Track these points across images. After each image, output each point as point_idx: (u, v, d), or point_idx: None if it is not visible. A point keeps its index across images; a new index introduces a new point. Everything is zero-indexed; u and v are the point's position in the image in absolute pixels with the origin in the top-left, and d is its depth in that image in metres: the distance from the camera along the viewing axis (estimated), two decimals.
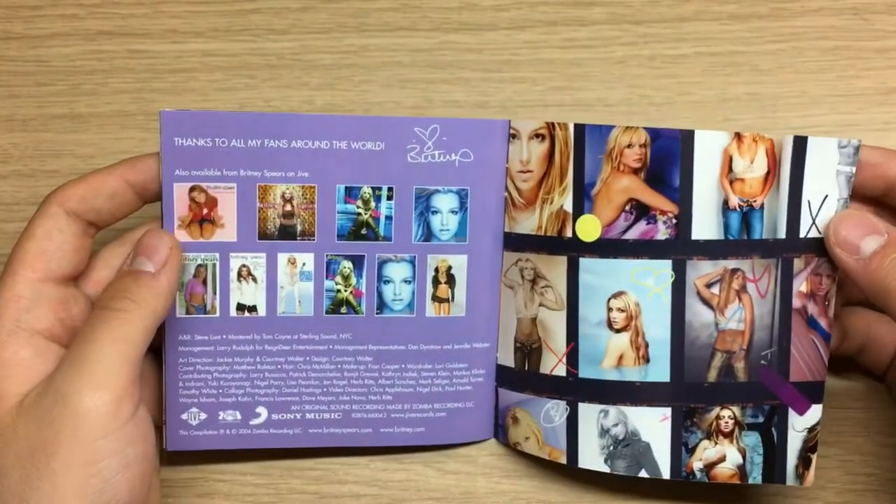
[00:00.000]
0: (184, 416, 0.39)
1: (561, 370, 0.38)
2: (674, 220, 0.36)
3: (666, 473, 0.37)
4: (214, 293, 0.38)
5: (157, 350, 0.39)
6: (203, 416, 0.39)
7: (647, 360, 0.37)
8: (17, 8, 0.44)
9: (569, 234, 0.37)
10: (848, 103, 0.43)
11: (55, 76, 0.44)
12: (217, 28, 0.44)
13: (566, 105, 0.43)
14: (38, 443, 0.31)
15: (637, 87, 0.43)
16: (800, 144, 0.36)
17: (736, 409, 0.37)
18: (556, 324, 0.38)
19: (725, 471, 0.37)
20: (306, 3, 0.44)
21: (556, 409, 0.38)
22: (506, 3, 0.44)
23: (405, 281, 0.39)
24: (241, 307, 0.39)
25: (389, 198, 0.38)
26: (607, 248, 0.37)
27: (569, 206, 0.37)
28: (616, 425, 0.37)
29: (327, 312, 0.39)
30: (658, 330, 0.37)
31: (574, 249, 0.37)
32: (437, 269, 0.39)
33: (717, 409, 0.37)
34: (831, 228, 0.35)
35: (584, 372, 0.38)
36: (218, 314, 0.38)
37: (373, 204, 0.38)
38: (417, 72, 0.44)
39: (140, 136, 0.43)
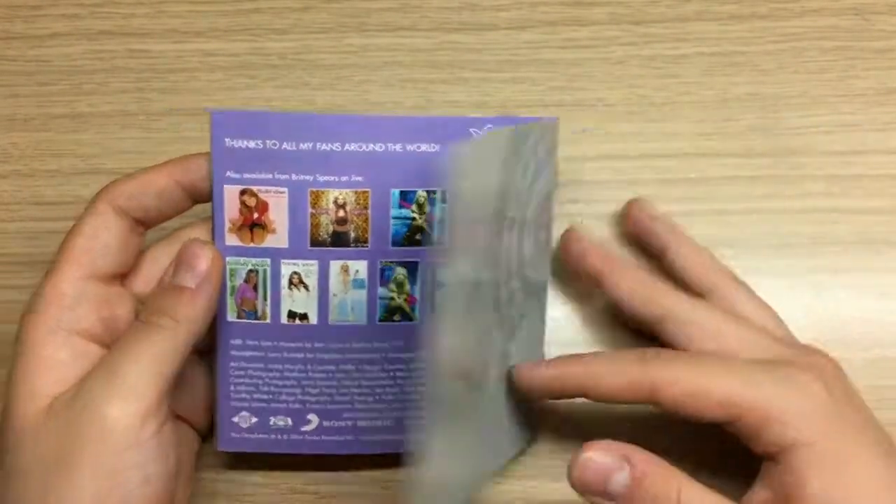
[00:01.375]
0: (235, 419, 0.38)
1: None
2: None
3: None
4: (265, 300, 0.37)
5: (205, 352, 0.38)
6: (254, 419, 0.38)
7: None
8: (17, 7, 0.44)
9: None
10: (848, 103, 0.43)
11: (56, 76, 0.44)
12: (218, 28, 0.44)
13: (566, 105, 0.43)
14: (64, 448, 0.31)
15: (637, 87, 0.43)
16: None
17: None
18: None
19: None
20: (307, 3, 0.44)
21: None
22: (506, 3, 0.44)
23: None
24: (292, 315, 0.38)
25: (444, 201, 0.37)
26: None
27: None
28: None
29: (381, 320, 0.38)
30: None
31: None
32: None
33: None
34: (574, 472, 0.31)
35: None
36: (269, 321, 0.37)
37: (427, 208, 0.37)
38: (417, 71, 0.44)
39: (141, 136, 0.43)
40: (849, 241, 0.41)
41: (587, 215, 0.42)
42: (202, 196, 0.37)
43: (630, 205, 0.41)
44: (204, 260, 0.34)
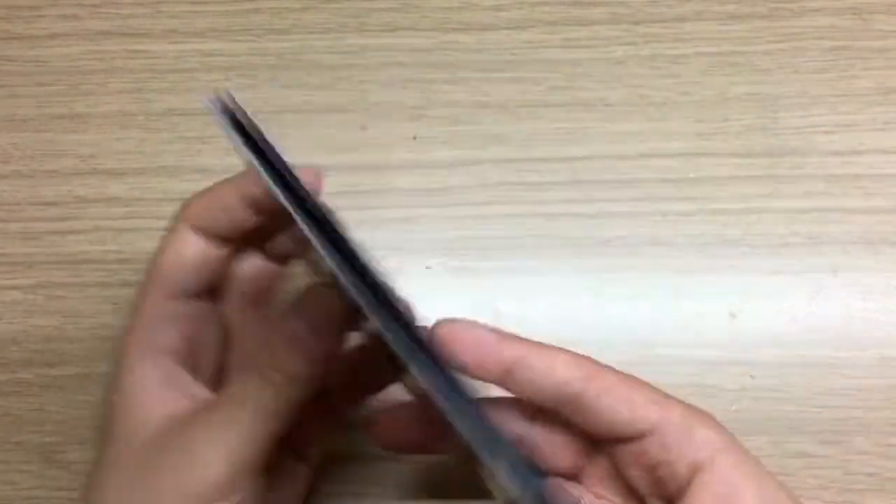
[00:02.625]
0: None
1: None
2: None
3: None
4: None
5: None
6: None
7: None
8: (17, 8, 0.44)
9: None
10: (848, 103, 0.43)
11: (55, 76, 0.44)
12: (217, 28, 0.44)
13: (566, 105, 0.43)
14: (155, 482, 0.30)
15: (637, 87, 0.43)
16: None
17: None
18: None
19: None
20: (306, 3, 0.44)
21: None
22: (506, 2, 0.44)
23: None
24: None
25: None
26: None
27: None
28: None
29: None
30: None
31: None
32: None
33: None
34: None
35: None
36: None
37: None
38: (418, 71, 0.44)
39: (140, 136, 0.43)
40: (849, 241, 0.41)
41: (587, 215, 0.42)
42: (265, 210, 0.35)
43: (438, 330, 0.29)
44: (326, 306, 0.31)
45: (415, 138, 0.43)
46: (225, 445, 0.30)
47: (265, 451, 0.30)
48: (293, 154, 0.43)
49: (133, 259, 0.43)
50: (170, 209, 0.43)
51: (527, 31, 0.44)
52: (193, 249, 0.34)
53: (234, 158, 0.43)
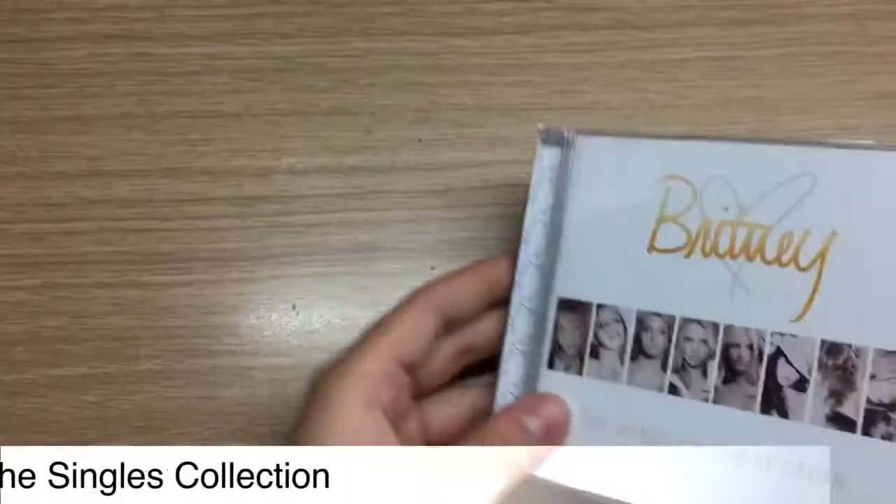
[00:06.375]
0: None
1: None
2: None
3: None
4: None
5: None
6: None
7: None
8: (23, 11, 0.45)
9: None
10: (846, 107, 0.43)
11: (61, 78, 0.44)
12: (222, 32, 0.45)
13: (568, 108, 0.44)
14: None
15: (639, 91, 0.44)
16: None
17: None
18: None
19: None
20: (311, 7, 0.45)
21: None
22: (509, 7, 0.45)
23: None
24: None
25: None
26: None
27: None
28: None
29: None
30: None
31: None
32: None
33: None
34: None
35: None
36: None
37: None
38: (422, 75, 0.44)
39: (145, 139, 0.44)
40: None
41: None
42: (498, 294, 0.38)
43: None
44: (560, 418, 0.35)
45: (420, 141, 0.44)
46: None
47: None
48: (299, 156, 0.43)
49: (138, 260, 0.43)
50: (174, 210, 0.43)
51: (530, 35, 0.44)
52: (430, 329, 0.37)
53: (237, 160, 0.44)
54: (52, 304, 0.42)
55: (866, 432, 0.30)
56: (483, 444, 0.34)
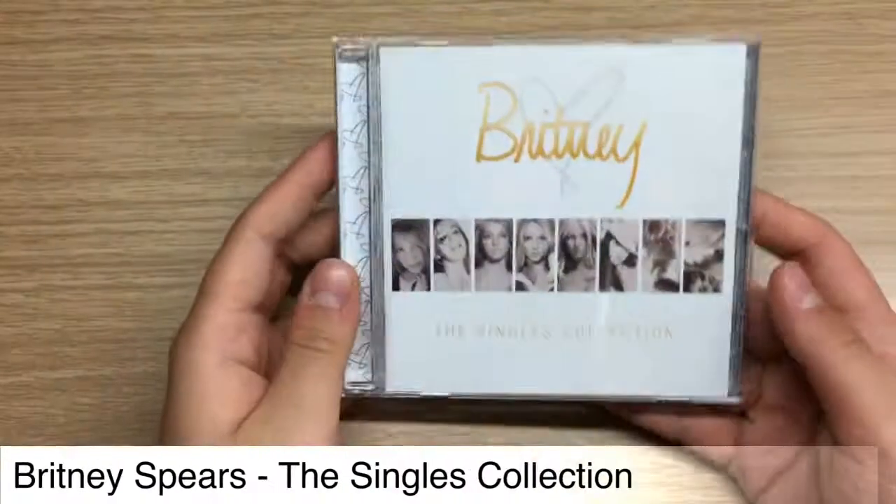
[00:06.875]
0: None
1: None
2: None
3: None
4: None
5: None
6: None
7: None
8: (19, 13, 0.45)
9: None
10: (844, 106, 0.43)
11: (58, 80, 0.44)
12: (218, 33, 0.44)
13: None
14: None
15: None
16: None
17: None
18: None
19: None
20: (307, 7, 0.45)
21: None
22: (506, 7, 0.45)
23: None
24: None
25: None
26: None
27: None
28: None
29: None
30: None
31: None
32: None
33: None
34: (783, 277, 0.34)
35: None
36: None
37: None
38: None
39: (143, 140, 0.44)
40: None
41: None
42: (324, 192, 0.36)
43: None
44: (346, 282, 0.34)
45: None
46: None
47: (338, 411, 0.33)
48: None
49: (135, 262, 0.43)
50: (171, 212, 0.43)
51: (527, 35, 0.44)
52: (267, 260, 0.35)
53: (236, 161, 0.43)
54: (48, 307, 0.42)
55: (687, 289, 0.36)
56: (293, 347, 0.33)
